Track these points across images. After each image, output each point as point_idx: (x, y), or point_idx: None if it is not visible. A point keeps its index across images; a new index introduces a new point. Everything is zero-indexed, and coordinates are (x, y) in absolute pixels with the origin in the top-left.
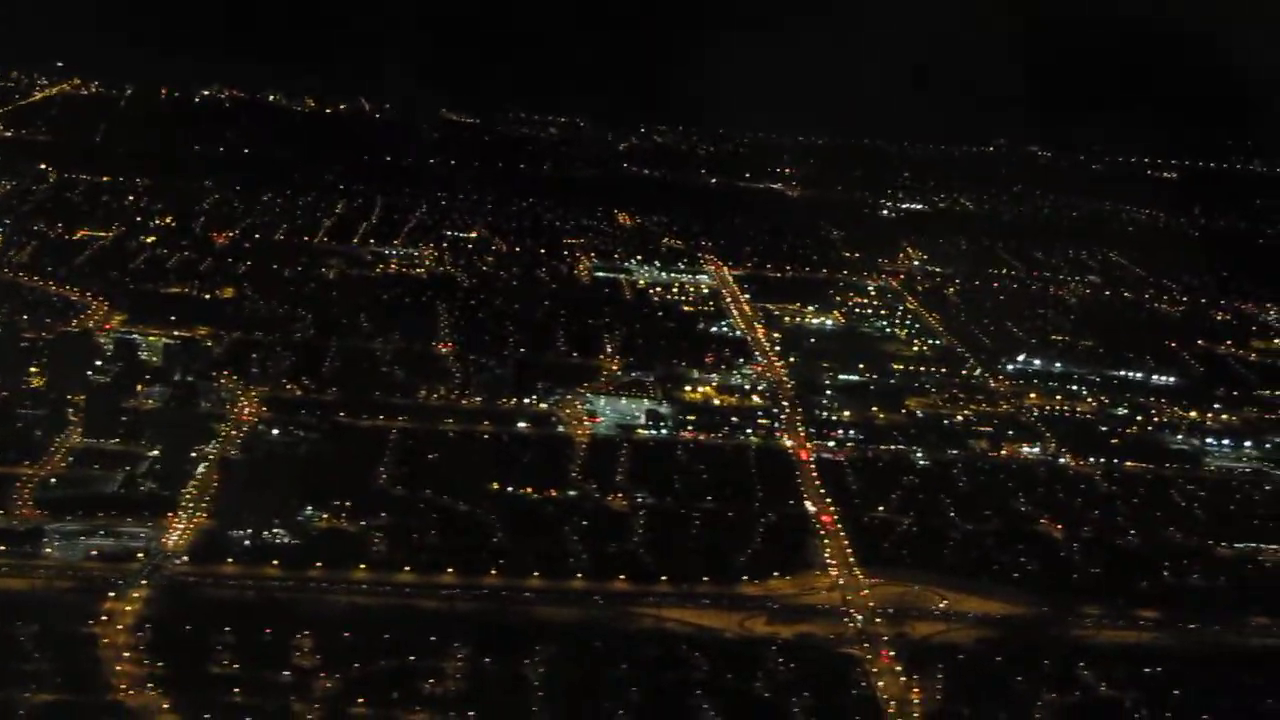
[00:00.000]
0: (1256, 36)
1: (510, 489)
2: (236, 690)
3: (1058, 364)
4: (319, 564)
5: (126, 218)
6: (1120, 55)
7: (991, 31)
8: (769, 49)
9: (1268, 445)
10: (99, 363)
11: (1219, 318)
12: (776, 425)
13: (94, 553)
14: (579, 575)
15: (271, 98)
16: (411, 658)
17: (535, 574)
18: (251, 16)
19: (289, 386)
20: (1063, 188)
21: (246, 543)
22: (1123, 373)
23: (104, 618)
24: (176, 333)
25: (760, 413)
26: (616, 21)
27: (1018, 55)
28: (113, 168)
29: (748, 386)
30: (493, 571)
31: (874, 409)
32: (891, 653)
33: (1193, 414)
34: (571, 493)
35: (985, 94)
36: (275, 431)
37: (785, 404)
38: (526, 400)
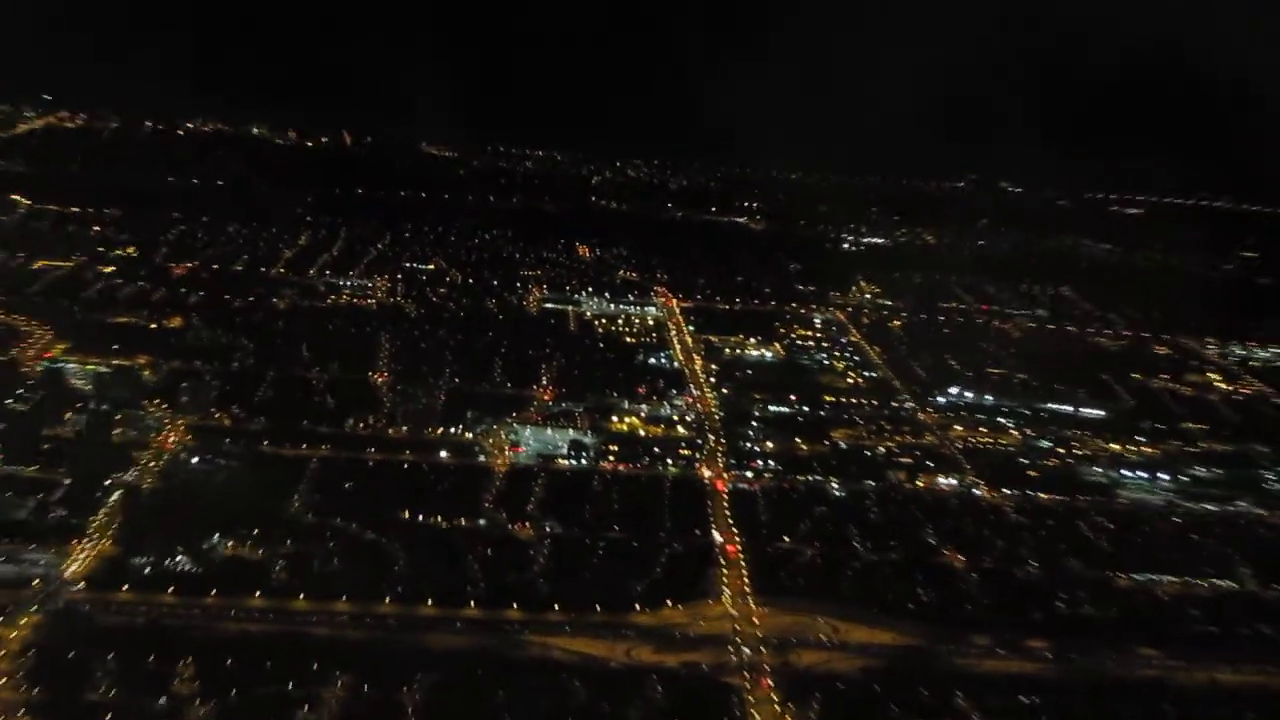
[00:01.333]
0: (1225, 77)
1: (420, 518)
2: (109, 717)
3: (988, 397)
4: (216, 591)
5: (89, 248)
6: (1095, 92)
7: (968, 67)
8: (749, 82)
9: (1183, 478)
10: (20, 391)
11: (1158, 351)
12: (697, 456)
13: None
14: (473, 604)
15: (255, 130)
16: (290, 685)
17: (429, 602)
18: (246, 49)
19: (217, 415)
20: (1027, 223)
21: (147, 570)
22: (1052, 406)
23: None
24: (115, 361)
25: (683, 443)
26: (600, 54)
27: (993, 90)
28: (84, 199)
29: (675, 417)
30: (388, 600)
31: (797, 440)
32: (771, 682)
33: (1114, 446)
34: (481, 521)
35: (959, 129)
36: (194, 460)
37: (710, 435)
38: (452, 430)
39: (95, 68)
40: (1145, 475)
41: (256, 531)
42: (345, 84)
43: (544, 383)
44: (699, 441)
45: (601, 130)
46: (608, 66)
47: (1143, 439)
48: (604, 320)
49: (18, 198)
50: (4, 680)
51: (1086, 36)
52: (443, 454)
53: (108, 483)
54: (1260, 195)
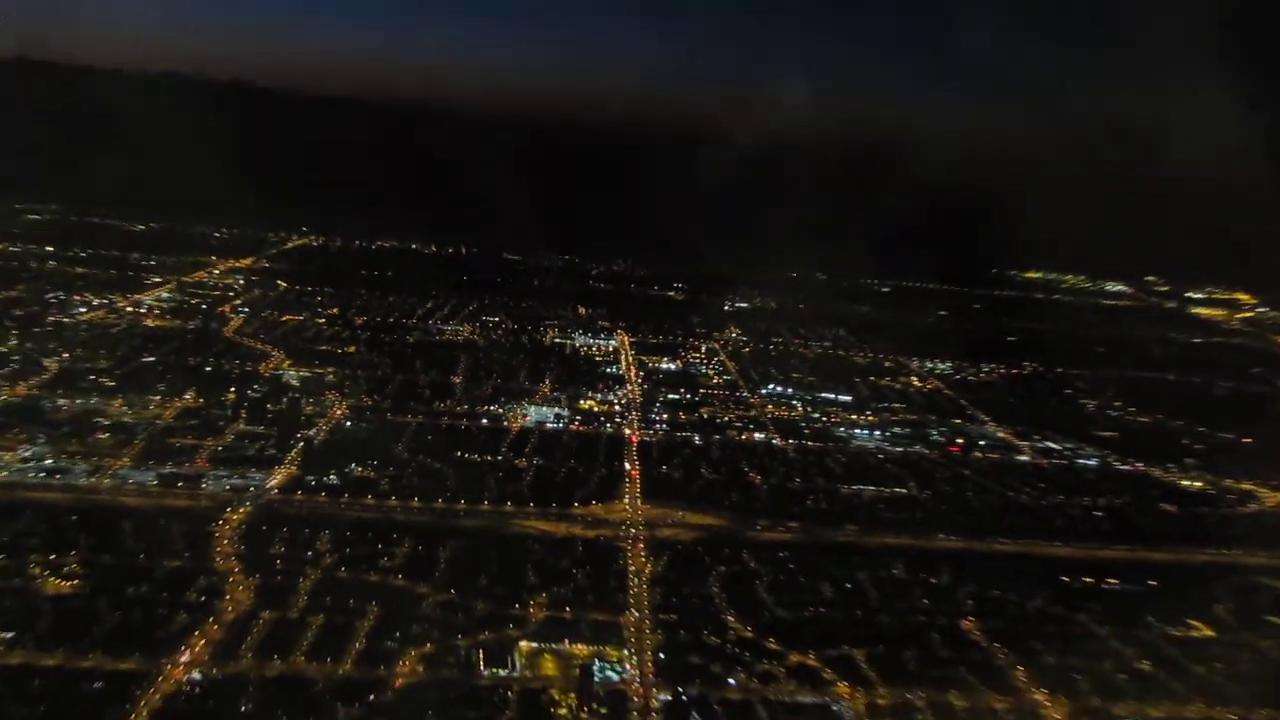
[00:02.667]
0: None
1: (465, 455)
2: (281, 564)
3: (791, 389)
4: (347, 495)
5: (311, 309)
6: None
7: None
8: (677, 223)
9: (887, 434)
10: (258, 385)
11: (885, 364)
12: (623, 422)
13: (227, 486)
14: (486, 502)
15: (414, 245)
16: (379, 545)
17: (462, 501)
18: (408, 199)
19: (365, 399)
20: (823, 295)
21: (313, 484)
22: (824, 394)
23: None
24: (315, 370)
25: (617, 415)
26: (598, 201)
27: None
28: (314, 283)
29: (615, 401)
30: (439, 500)
31: (680, 414)
32: (642, 544)
33: (853, 416)
34: (499, 458)
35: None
36: (348, 424)
37: (633, 411)
38: (491, 407)
39: (329, 211)
40: (866, 432)
41: (376, 463)
42: (461, 220)
43: (546, 381)
44: (626, 414)
45: (599, 245)
46: (604, 210)
47: (869, 412)
48: (586, 348)
49: (280, 281)
50: (229, 540)
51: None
52: (484, 420)
53: (298, 435)
54: (960, 279)
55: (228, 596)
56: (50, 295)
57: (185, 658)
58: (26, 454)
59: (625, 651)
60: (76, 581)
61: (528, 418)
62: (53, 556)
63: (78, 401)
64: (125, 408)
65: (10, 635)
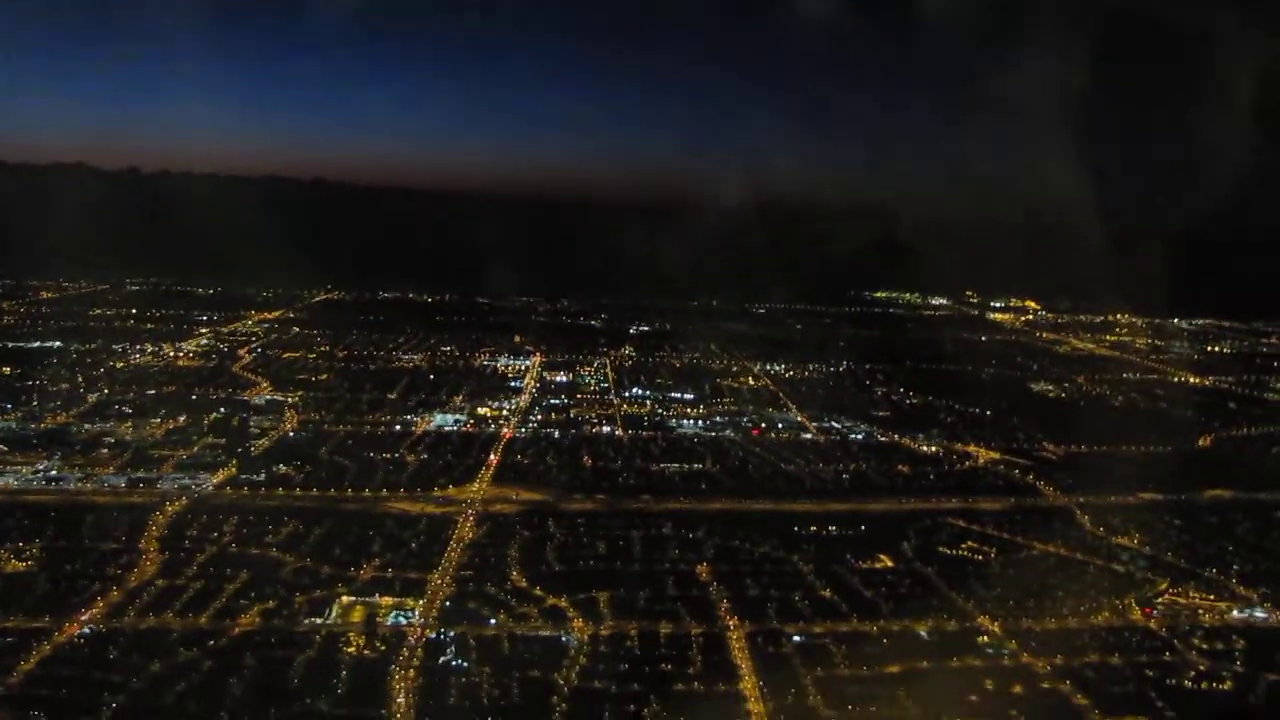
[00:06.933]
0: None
1: (375, 455)
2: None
3: (649, 391)
4: (280, 489)
5: (308, 347)
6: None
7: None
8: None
9: (709, 422)
10: (232, 407)
11: (733, 368)
12: (504, 422)
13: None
14: (367, 490)
15: (411, 295)
16: (300, 525)
17: (352, 489)
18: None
19: (317, 416)
20: (707, 318)
21: (250, 480)
22: (674, 394)
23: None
24: (281, 395)
25: (502, 418)
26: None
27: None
28: (322, 327)
29: (506, 409)
30: (349, 489)
31: (552, 415)
32: (471, 517)
33: (689, 410)
34: (398, 455)
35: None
36: (291, 434)
37: (516, 415)
38: (408, 416)
39: (353, 271)
40: (692, 422)
41: (299, 463)
42: (448, 275)
43: (460, 394)
44: (509, 416)
45: (549, 289)
46: (558, 263)
47: (702, 407)
48: (505, 368)
49: (295, 328)
50: (158, 527)
51: None
52: (397, 427)
53: (248, 445)
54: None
55: (136, 569)
56: (117, 345)
57: (85, 617)
58: (40, 467)
59: (421, 602)
60: (30, 562)
61: (432, 423)
62: (21, 544)
63: (97, 426)
64: (130, 429)
65: None
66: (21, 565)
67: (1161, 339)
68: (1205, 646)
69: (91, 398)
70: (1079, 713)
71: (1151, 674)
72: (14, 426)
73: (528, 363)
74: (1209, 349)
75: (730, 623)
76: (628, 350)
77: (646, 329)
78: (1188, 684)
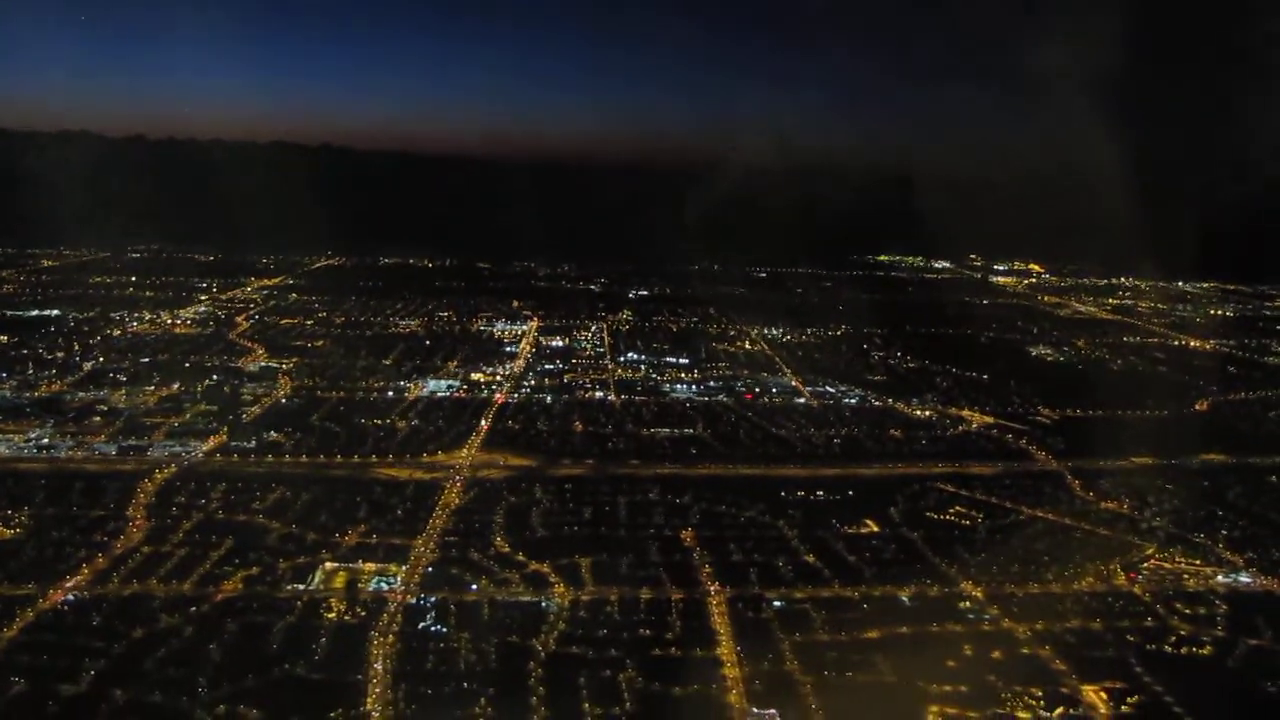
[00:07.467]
0: None
1: (365, 421)
2: (204, 516)
3: (644, 356)
4: (269, 455)
5: (305, 313)
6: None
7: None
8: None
9: (705, 386)
10: (226, 374)
11: (730, 332)
12: (497, 388)
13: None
14: (357, 456)
15: (411, 260)
16: (278, 490)
17: (341, 456)
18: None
19: (309, 381)
20: (708, 281)
21: (239, 447)
22: (669, 359)
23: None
24: (280, 362)
25: (495, 384)
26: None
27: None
28: (320, 293)
29: (500, 374)
30: (338, 455)
31: (545, 380)
32: (460, 481)
33: (684, 375)
34: (389, 421)
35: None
36: (284, 400)
37: (510, 380)
38: (401, 382)
39: (354, 237)
40: (685, 386)
41: (289, 429)
42: (450, 239)
43: (455, 360)
44: (502, 382)
45: (552, 253)
46: (563, 227)
47: (696, 372)
48: (500, 333)
49: (293, 294)
50: (146, 494)
51: None
52: (389, 393)
53: (241, 412)
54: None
55: (123, 536)
56: (115, 313)
57: (70, 584)
58: (32, 435)
59: (404, 568)
60: (18, 529)
61: (425, 389)
62: (9, 511)
63: (91, 393)
64: (124, 396)
65: None
66: (9, 532)
67: (1164, 302)
68: (1188, 611)
69: (87, 366)
70: (1056, 677)
71: (1132, 639)
72: (8, 395)
73: (524, 328)
74: (1212, 312)
75: (711, 588)
76: (625, 315)
77: (646, 293)
78: (1168, 649)
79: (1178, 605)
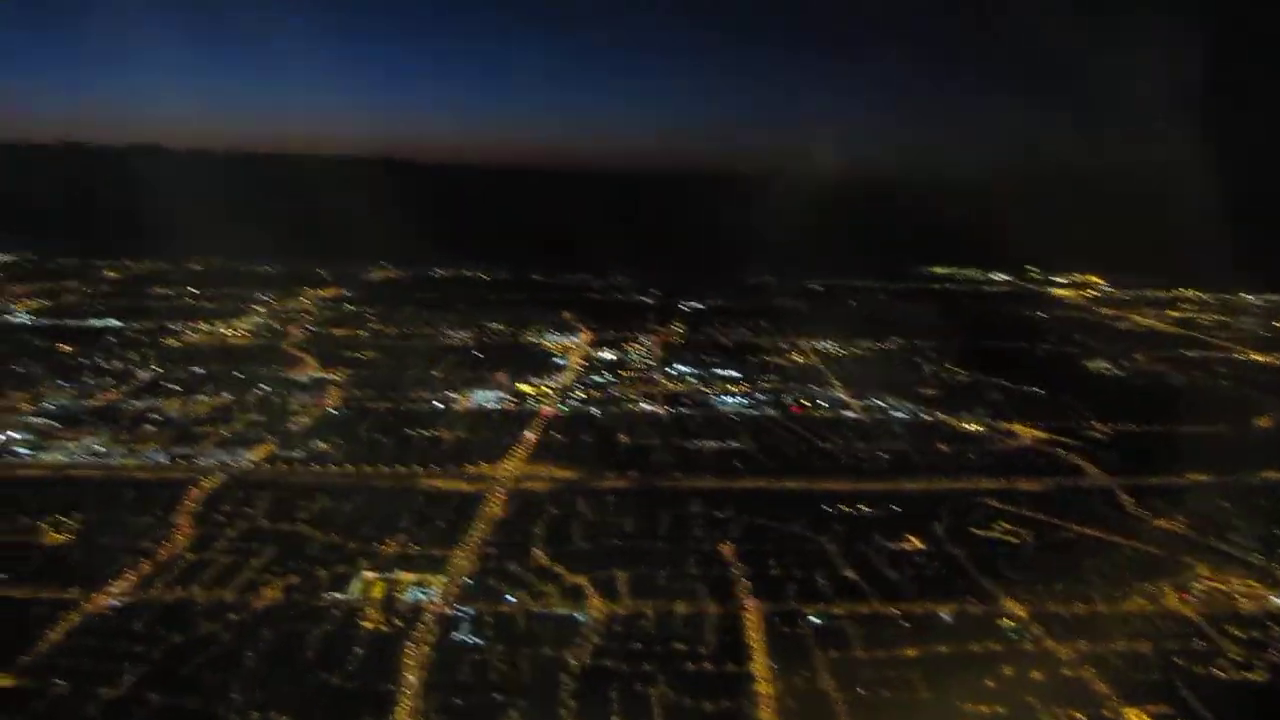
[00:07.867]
0: None
1: (412, 431)
2: (247, 527)
3: (694, 368)
4: (312, 464)
5: (358, 324)
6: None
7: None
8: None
9: (753, 399)
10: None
11: (783, 345)
12: (543, 401)
13: (215, 462)
14: (399, 466)
15: (465, 272)
16: (313, 499)
17: (388, 468)
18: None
19: (356, 393)
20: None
21: (285, 457)
22: (718, 371)
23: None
24: (330, 372)
25: (542, 396)
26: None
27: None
28: (374, 304)
29: (547, 387)
30: (380, 465)
31: (595, 392)
32: (502, 494)
33: (730, 388)
34: (435, 432)
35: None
36: (333, 411)
37: (557, 393)
38: (449, 393)
39: (405, 252)
40: (733, 399)
41: (338, 439)
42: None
43: (503, 373)
44: (550, 394)
45: (604, 265)
46: (614, 239)
47: (746, 384)
48: (550, 344)
49: (349, 305)
50: (194, 501)
51: None
52: (437, 404)
53: (291, 422)
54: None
55: (168, 543)
56: (173, 324)
57: (115, 589)
58: (87, 443)
59: (442, 578)
60: (67, 535)
61: (472, 400)
62: (60, 517)
63: (145, 402)
64: (177, 406)
65: (5, 576)
66: (59, 538)
67: (1228, 314)
68: (1241, 635)
69: (143, 375)
70: (1098, 700)
71: (1180, 662)
72: (67, 404)
73: (575, 340)
74: (1277, 325)
75: (748, 603)
76: (677, 327)
77: (699, 305)
78: (1218, 673)
79: (1230, 628)
